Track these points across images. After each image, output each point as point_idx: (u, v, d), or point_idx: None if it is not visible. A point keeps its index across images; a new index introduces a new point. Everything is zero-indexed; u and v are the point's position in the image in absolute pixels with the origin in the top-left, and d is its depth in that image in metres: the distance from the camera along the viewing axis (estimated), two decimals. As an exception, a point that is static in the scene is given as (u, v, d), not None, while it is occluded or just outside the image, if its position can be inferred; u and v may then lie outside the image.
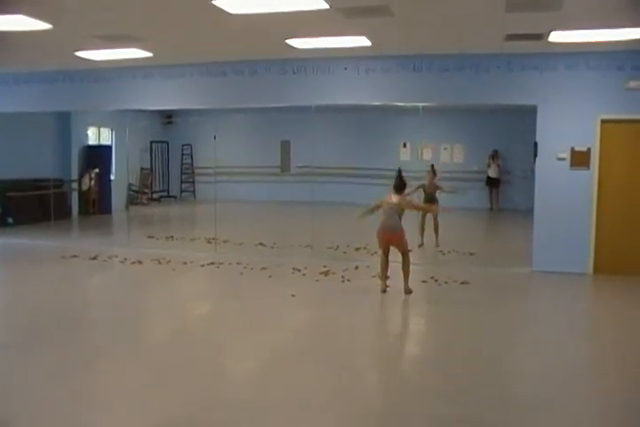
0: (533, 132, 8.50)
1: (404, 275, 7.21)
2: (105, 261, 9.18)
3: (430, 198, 10.43)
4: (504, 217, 15.10)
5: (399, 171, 7.37)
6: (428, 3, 6.04)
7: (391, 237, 7.16)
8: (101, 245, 10.52)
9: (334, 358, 5.06)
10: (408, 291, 7.17)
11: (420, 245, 10.30)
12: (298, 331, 5.87)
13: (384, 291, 7.23)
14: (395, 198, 7.16)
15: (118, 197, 15.04)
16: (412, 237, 9.49)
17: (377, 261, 8.80)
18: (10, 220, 12.37)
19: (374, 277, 7.90)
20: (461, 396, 4.27)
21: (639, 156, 8.19)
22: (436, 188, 10.53)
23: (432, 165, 11.05)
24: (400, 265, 7.24)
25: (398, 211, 7.15)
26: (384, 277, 7.29)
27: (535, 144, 8.43)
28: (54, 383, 4.41)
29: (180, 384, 4.42)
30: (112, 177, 15.21)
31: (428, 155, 12.53)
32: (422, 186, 10.40)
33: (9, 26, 6.92)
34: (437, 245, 10.36)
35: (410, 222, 8.09)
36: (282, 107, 10.49)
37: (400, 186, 7.21)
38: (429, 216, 10.47)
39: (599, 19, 6.47)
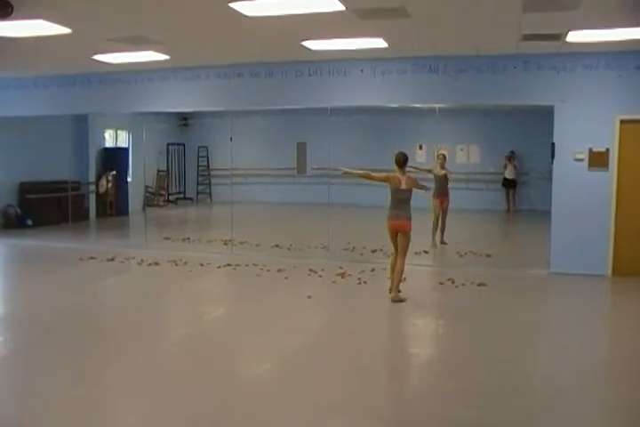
0: (550, 132, 8.44)
1: (397, 279, 6.89)
2: (122, 262, 9.24)
3: (442, 190, 10.33)
4: (520, 218, 15.00)
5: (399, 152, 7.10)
6: (445, 4, 6.02)
7: (397, 224, 6.85)
8: (118, 246, 10.60)
9: (350, 360, 5.05)
10: (397, 299, 6.82)
11: (434, 247, 10.25)
12: (314, 333, 5.87)
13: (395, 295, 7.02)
14: (405, 184, 6.86)
15: (135, 199, 15.14)
16: (422, 238, 9.49)
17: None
18: (29, 221, 12.49)
19: (390, 278, 7.89)
20: (476, 399, 4.25)
21: (659, 156, 8.11)
22: (447, 176, 10.34)
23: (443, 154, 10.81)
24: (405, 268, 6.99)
25: (408, 197, 6.94)
26: (394, 279, 7.21)
27: (552, 145, 8.38)
28: (72, 384, 4.46)
29: (197, 385, 4.44)
30: (129, 179, 15.31)
31: (444, 156, 12.53)
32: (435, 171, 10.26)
33: (29, 31, 6.99)
34: (443, 242, 10.36)
35: (419, 223, 8.01)
36: (298, 109, 10.50)
37: (404, 159, 6.89)
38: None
39: (617, 18, 6.41)
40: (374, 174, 7.09)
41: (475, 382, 4.55)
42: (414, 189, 7.04)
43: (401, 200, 6.92)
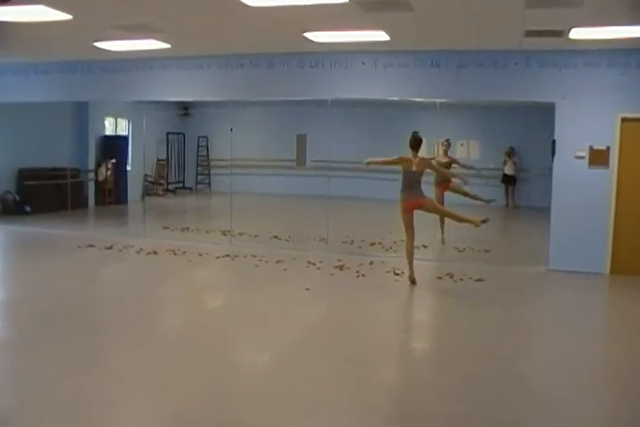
0: (551, 129, 8.43)
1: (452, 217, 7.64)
2: (120, 251, 9.24)
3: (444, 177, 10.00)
4: (520, 214, 15.00)
5: (414, 132, 7.41)
6: (449, -2, 6.01)
7: (418, 202, 7.27)
8: (117, 235, 10.59)
9: (348, 353, 5.06)
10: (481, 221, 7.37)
11: (442, 243, 10.13)
12: (312, 325, 5.88)
13: (414, 282, 7.26)
14: (415, 166, 7.20)
15: (134, 188, 15.12)
16: (421, 233, 9.44)
17: (392, 256, 8.83)
18: (27, 208, 12.48)
19: (389, 272, 7.92)
20: (472, 394, 4.26)
21: (660, 155, 8.10)
22: (450, 163, 10.12)
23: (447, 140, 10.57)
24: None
25: (419, 178, 7.31)
26: (412, 264, 7.31)
27: (553, 142, 8.36)
28: (68, 373, 4.45)
29: (194, 377, 4.44)
30: (128, 168, 15.27)
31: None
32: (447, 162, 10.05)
33: (29, 16, 6.95)
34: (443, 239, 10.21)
35: (423, 217, 8.04)
36: (299, 100, 10.47)
37: (417, 141, 7.26)
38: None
39: (621, 16, 6.38)
40: (389, 158, 7.37)
41: (473, 378, 4.57)
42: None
43: (413, 181, 7.26)
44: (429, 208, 7.53)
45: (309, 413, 3.92)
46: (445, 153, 10.34)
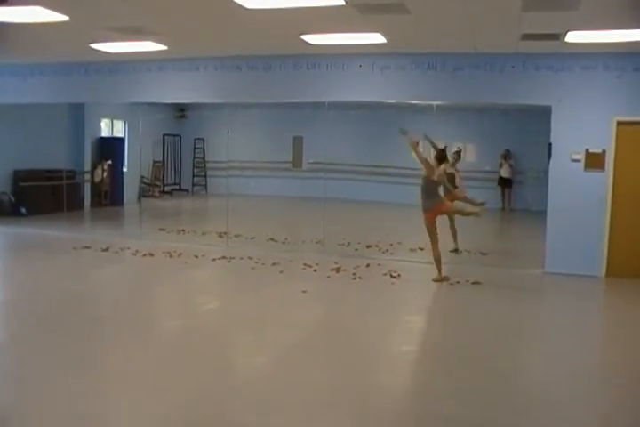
0: (547, 132, 8.45)
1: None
2: (116, 252, 9.22)
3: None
4: (516, 217, 15.03)
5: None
6: (444, 1, 6.01)
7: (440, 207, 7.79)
8: (113, 236, 10.56)
9: (344, 356, 5.06)
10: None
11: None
12: (308, 327, 5.87)
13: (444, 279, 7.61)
14: (437, 176, 7.73)
15: (130, 190, 15.09)
16: (419, 235, 9.44)
17: (389, 258, 8.85)
18: (23, 210, 12.45)
19: (385, 275, 7.92)
20: (473, 398, 4.26)
21: (655, 158, 8.12)
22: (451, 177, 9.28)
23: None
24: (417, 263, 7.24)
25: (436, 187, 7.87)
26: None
27: (549, 145, 8.38)
28: (65, 374, 4.44)
29: (191, 380, 4.44)
30: (124, 169, 15.25)
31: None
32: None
33: (26, 17, 6.94)
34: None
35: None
36: (295, 102, 10.46)
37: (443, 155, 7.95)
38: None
39: (617, 19, 6.40)
40: (418, 150, 7.79)
41: (469, 381, 4.56)
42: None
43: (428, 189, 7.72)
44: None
45: (308, 415, 3.92)
46: (453, 165, 9.82)
